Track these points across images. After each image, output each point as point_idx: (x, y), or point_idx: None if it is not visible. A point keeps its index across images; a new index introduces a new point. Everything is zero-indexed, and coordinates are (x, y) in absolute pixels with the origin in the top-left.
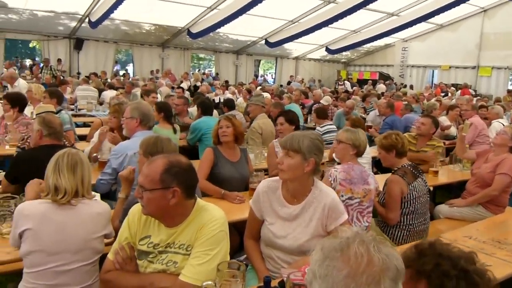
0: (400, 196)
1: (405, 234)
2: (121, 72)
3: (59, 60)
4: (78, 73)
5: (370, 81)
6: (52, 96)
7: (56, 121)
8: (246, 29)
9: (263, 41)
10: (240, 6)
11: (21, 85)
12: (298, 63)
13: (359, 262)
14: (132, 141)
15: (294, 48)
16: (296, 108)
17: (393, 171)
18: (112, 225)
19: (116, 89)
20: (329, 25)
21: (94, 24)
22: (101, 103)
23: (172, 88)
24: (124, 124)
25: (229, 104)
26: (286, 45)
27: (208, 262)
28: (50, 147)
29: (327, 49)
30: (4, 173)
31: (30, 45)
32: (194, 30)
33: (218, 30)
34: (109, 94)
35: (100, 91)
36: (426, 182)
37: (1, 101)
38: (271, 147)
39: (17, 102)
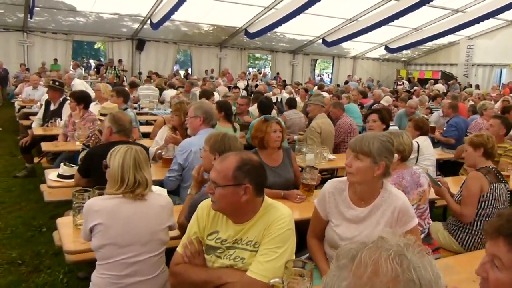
0: (479, 194)
1: (476, 240)
2: (181, 72)
3: (120, 61)
4: (139, 73)
5: (432, 80)
6: (119, 95)
7: (125, 119)
8: (303, 28)
9: (320, 40)
10: (298, 5)
11: (77, 85)
12: (355, 62)
13: (361, 273)
14: (196, 137)
15: (352, 47)
16: (354, 108)
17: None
18: (178, 220)
19: (176, 88)
20: (389, 23)
21: (155, 26)
22: (162, 102)
23: (229, 87)
24: (188, 123)
25: (291, 103)
26: (344, 44)
27: (275, 260)
28: (120, 143)
29: (387, 48)
30: (76, 167)
31: (96, 46)
32: (252, 30)
33: (275, 29)
34: (169, 93)
35: (161, 90)
36: (508, 190)
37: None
38: None
39: (82, 99)
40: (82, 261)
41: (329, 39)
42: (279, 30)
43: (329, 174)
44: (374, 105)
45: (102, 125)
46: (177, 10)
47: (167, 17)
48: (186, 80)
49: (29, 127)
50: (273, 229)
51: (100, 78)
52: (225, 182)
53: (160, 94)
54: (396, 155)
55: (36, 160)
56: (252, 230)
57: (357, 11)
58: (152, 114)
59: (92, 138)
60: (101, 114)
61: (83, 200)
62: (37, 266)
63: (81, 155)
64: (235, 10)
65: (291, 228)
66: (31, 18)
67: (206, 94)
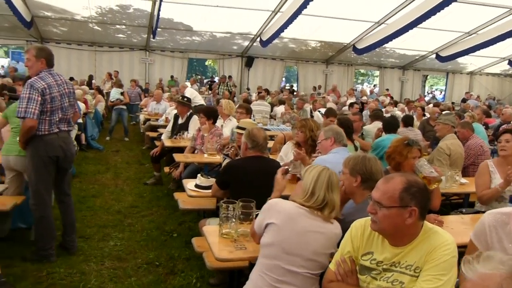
0: None
1: None
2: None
3: (229, 77)
4: (247, 89)
5: None
6: (247, 112)
7: (260, 135)
8: (414, 43)
9: (433, 55)
10: (410, 20)
11: (187, 92)
12: (472, 78)
13: None
14: (329, 156)
15: (469, 62)
16: (480, 128)
17: None
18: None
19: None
20: None
21: (265, 43)
22: (272, 117)
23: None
24: (320, 147)
25: (408, 121)
26: (460, 59)
27: (440, 287)
28: (255, 158)
29: (510, 62)
30: (212, 179)
31: (206, 63)
32: (360, 45)
33: (385, 45)
34: (280, 109)
35: (272, 106)
36: None
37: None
38: (484, 165)
39: (211, 114)
40: (223, 269)
41: (444, 53)
42: (389, 45)
43: (460, 199)
44: (502, 126)
45: (240, 139)
46: (287, 28)
47: (276, 34)
48: (292, 96)
49: (155, 138)
50: (438, 255)
51: (212, 94)
52: (390, 203)
53: (272, 109)
54: None
55: (166, 170)
56: (412, 254)
57: (475, 24)
58: (266, 129)
59: (232, 149)
60: (239, 128)
61: (228, 211)
62: (172, 269)
63: (224, 162)
64: (343, 26)
65: (455, 255)
66: (153, 38)
67: (330, 112)
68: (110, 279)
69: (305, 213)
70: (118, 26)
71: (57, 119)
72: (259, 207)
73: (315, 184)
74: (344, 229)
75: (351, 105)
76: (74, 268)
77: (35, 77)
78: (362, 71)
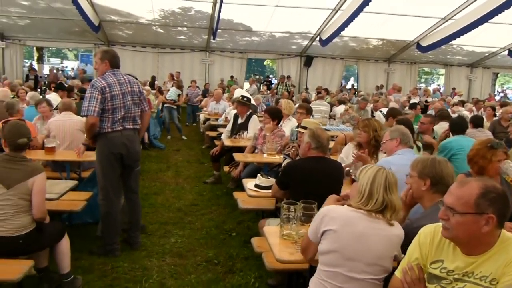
0: None
1: None
2: (348, 86)
3: (288, 77)
4: (306, 88)
5: None
6: (308, 112)
7: (324, 136)
8: (484, 39)
9: (505, 52)
10: (480, 15)
11: (236, 92)
12: None
13: None
14: (395, 157)
15: None
16: None
17: None
18: None
19: (345, 104)
20: None
21: (324, 42)
22: (332, 117)
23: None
24: (384, 147)
25: (477, 122)
26: None
27: None
28: (316, 159)
29: None
30: (272, 179)
31: (265, 63)
32: (425, 43)
33: (452, 41)
34: (339, 109)
35: (331, 106)
36: None
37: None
38: None
39: (276, 115)
40: (282, 270)
41: None
42: (456, 42)
43: None
44: None
45: (301, 138)
46: (347, 26)
47: (336, 33)
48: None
49: (215, 138)
50: None
51: (271, 94)
52: (465, 210)
53: (331, 109)
54: None
55: (226, 169)
56: (487, 264)
57: None
58: (325, 129)
59: (292, 149)
60: (301, 127)
61: (289, 212)
62: (230, 267)
63: (284, 162)
64: (407, 23)
65: None
66: (213, 39)
67: (394, 112)
68: (171, 275)
69: (364, 216)
70: (179, 28)
71: (120, 117)
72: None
73: (372, 185)
74: (411, 234)
75: (413, 105)
76: (137, 263)
77: (97, 77)
78: (426, 69)
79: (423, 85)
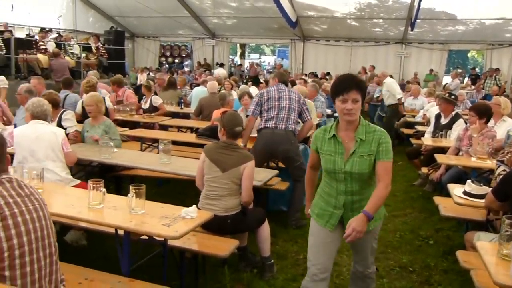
0: None
1: None
2: None
3: (497, 69)
4: None
5: None
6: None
7: None
8: None
9: None
10: None
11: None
12: None
13: None
14: None
15: None
16: None
17: None
18: None
19: None
20: None
21: None
22: None
23: None
24: None
25: None
26: None
27: None
28: None
29: None
30: (487, 187)
31: (469, 54)
32: None
33: None
34: None
35: None
36: None
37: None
38: None
39: (484, 113)
40: None
41: None
42: None
43: None
44: None
45: None
46: None
47: None
48: None
49: (410, 136)
50: None
51: (476, 89)
52: None
53: None
54: None
55: (425, 170)
56: None
57: None
58: None
59: (508, 155)
60: None
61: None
62: (427, 278)
63: (498, 170)
64: None
65: None
66: (411, 30)
67: None
68: None
69: None
70: (375, 20)
71: (272, 117)
72: None
73: None
74: None
75: None
76: None
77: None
78: None
79: None
